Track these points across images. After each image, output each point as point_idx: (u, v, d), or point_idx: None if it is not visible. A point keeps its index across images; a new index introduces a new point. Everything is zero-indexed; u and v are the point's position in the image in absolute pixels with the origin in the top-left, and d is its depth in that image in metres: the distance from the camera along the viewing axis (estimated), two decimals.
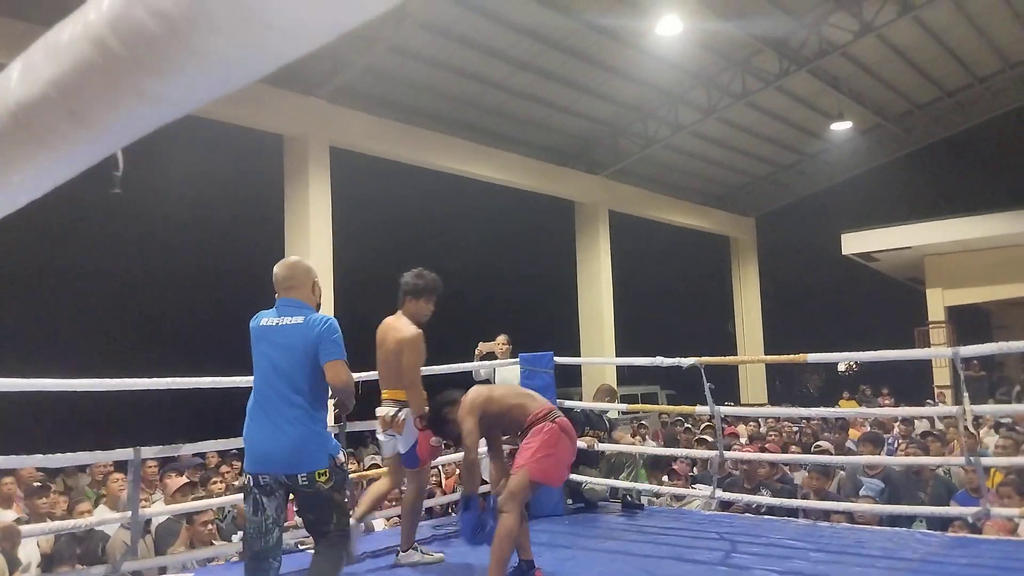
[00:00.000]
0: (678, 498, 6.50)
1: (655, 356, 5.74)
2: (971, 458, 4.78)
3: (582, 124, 15.22)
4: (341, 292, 11.46)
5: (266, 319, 3.37)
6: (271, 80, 10.95)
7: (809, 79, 14.81)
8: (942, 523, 5.37)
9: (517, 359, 6.31)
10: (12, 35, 7.91)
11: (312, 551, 3.43)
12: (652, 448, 7.07)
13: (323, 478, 3.14)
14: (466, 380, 6.83)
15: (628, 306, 16.17)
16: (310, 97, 11.40)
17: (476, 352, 7.03)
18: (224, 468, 6.97)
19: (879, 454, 6.77)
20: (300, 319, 3.30)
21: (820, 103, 16.16)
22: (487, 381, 6.97)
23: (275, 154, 11.88)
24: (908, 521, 5.60)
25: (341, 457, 3.27)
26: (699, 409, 5.71)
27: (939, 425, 8.36)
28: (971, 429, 5.50)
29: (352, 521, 3.88)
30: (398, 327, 4.44)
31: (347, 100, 11.97)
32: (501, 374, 6.86)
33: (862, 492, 6.21)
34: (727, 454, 5.98)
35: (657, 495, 6.58)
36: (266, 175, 12.33)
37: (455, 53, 12.05)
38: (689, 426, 9.32)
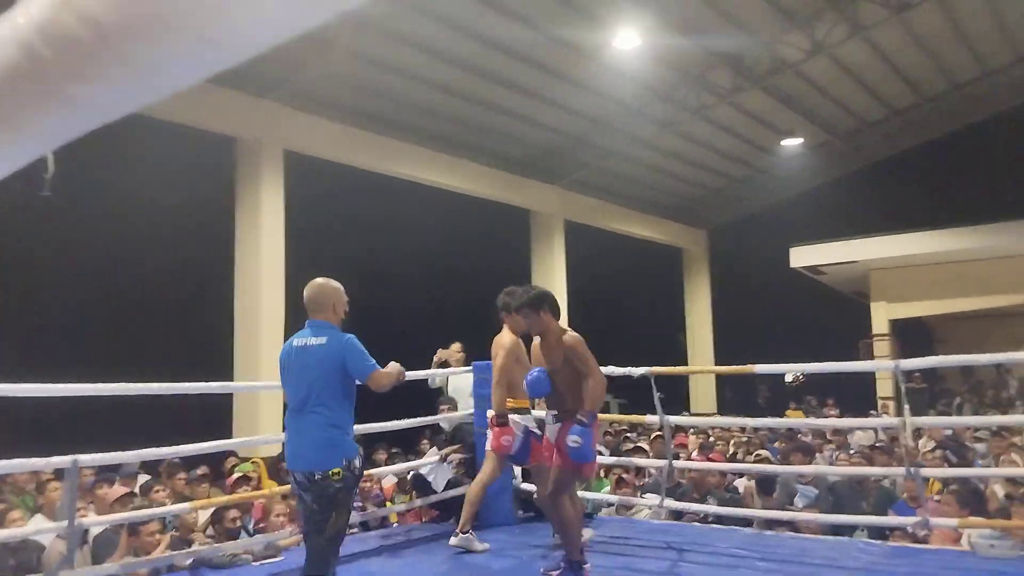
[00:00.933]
0: (627, 507, 6.54)
1: (607, 365, 5.78)
2: (911, 469, 4.90)
3: (541, 134, 15.30)
4: (293, 300, 11.30)
5: (297, 340, 3.84)
6: (224, 81, 10.79)
7: (762, 95, 15.11)
8: (883, 533, 5.50)
9: (471, 367, 6.31)
10: None
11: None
12: (604, 458, 7.09)
13: (335, 477, 3.53)
14: (420, 389, 6.81)
15: (581, 315, 16.24)
16: (265, 100, 11.25)
17: (434, 359, 7.00)
18: (180, 475, 6.79)
19: (808, 462, 6.91)
20: (324, 340, 3.75)
21: (772, 119, 16.48)
22: (440, 390, 6.95)
23: (227, 157, 11.70)
24: (850, 530, 5.72)
25: (357, 463, 3.65)
26: (649, 418, 5.76)
27: (882, 436, 8.54)
28: (911, 441, 5.63)
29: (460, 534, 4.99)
30: (498, 341, 5.21)
31: (303, 104, 11.85)
32: (454, 382, 6.83)
33: (797, 499, 6.33)
34: (675, 463, 6.03)
35: (607, 504, 6.61)
36: (217, 178, 12.12)
37: (415, 60, 12.02)
38: (630, 435, 9.32)
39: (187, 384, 4.86)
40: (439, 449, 6.36)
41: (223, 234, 11.61)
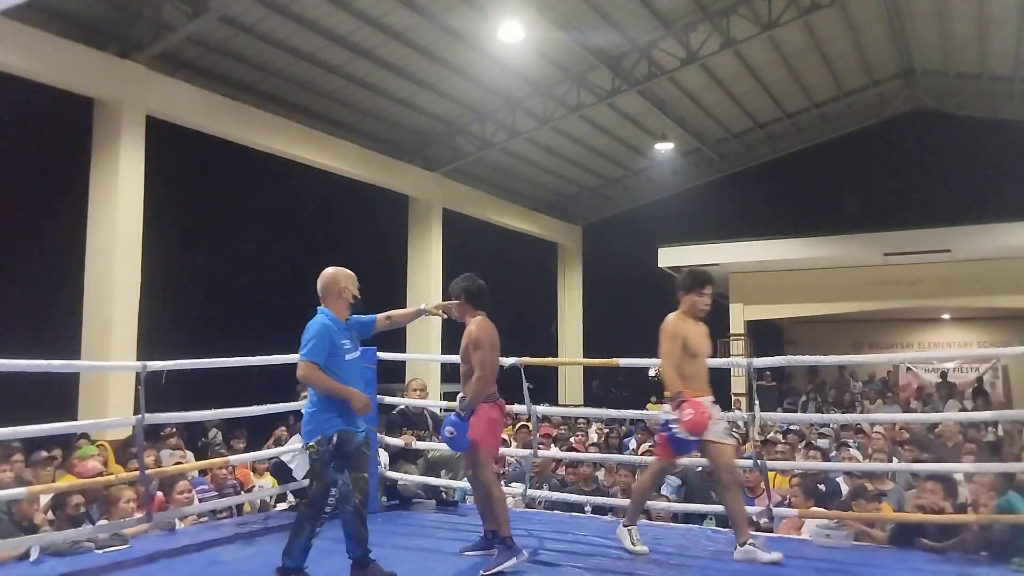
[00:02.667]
0: None
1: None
2: (757, 461, 5.19)
3: (420, 119, 15.15)
4: (149, 273, 10.70)
5: None
6: (85, 39, 10.07)
7: (638, 99, 15.58)
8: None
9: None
10: None
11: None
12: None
13: (312, 448, 4.08)
14: (288, 372, 6.59)
15: None
16: (127, 61, 10.54)
17: None
18: (16, 458, 6.26)
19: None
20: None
21: (647, 123, 17.02)
22: None
23: (85, 119, 10.89)
24: (700, 519, 6.00)
25: (334, 439, 4.00)
26: (516, 408, 5.82)
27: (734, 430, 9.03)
28: (759, 434, 5.97)
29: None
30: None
31: (169, 68, 11.22)
32: None
33: (663, 490, 6.59)
34: (540, 453, 6.13)
35: (469, 493, 6.63)
36: (72, 142, 11.28)
37: (293, 33, 11.61)
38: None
39: (28, 362, 4.47)
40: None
41: (76, 201, 10.81)
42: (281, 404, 6.12)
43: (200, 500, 5.88)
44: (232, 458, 6.48)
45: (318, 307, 4.25)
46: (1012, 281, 15.63)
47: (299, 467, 5.84)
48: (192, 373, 5.45)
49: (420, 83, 13.78)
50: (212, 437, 10.39)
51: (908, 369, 18.25)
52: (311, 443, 4.08)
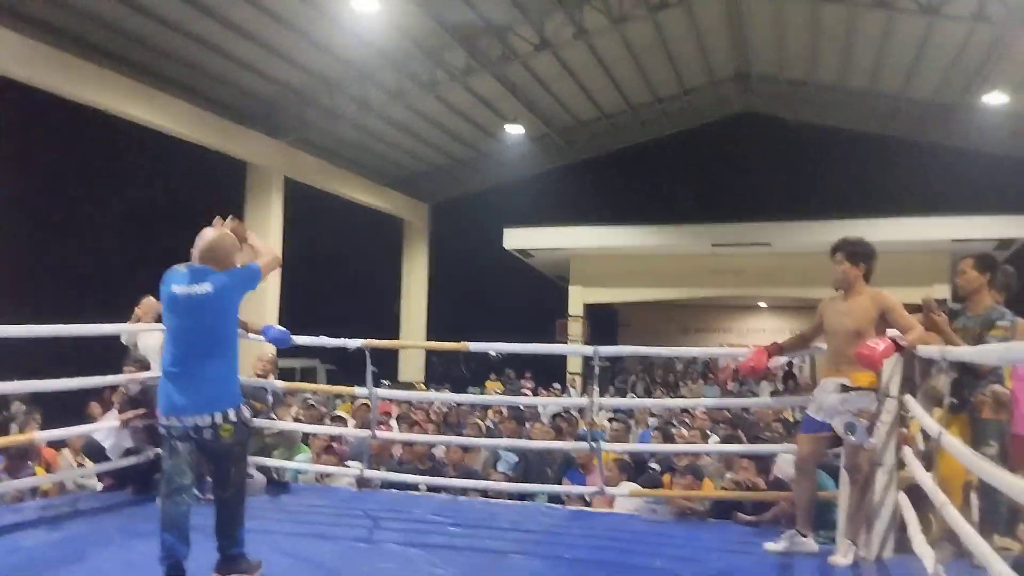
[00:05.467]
0: (326, 476, 6.43)
1: (319, 328, 5.60)
2: (592, 443, 5.37)
3: (265, 85, 14.45)
4: None
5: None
6: None
7: (492, 81, 15.61)
8: (560, 498, 6.01)
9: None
10: None
11: None
12: (307, 426, 6.91)
13: (226, 428, 3.52)
14: (106, 343, 6.11)
15: (296, 277, 15.70)
16: None
17: (134, 315, 6.35)
18: None
19: (521, 430, 7.34)
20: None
21: (498, 106, 17.11)
22: (129, 348, 6.30)
23: None
24: (534, 495, 6.15)
25: (244, 411, 3.62)
26: (358, 390, 5.68)
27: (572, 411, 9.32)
28: (596, 417, 6.16)
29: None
30: None
31: None
32: (144, 339, 6.24)
33: (499, 466, 6.69)
34: (379, 433, 6.03)
35: (301, 473, 6.45)
36: None
37: None
38: (313, 403, 8.93)
39: None
40: (120, 412, 5.74)
41: None
42: (97, 378, 5.63)
43: None
44: (37, 435, 5.93)
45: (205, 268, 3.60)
46: (826, 274, 16.92)
47: (114, 447, 5.44)
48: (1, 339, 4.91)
49: (268, 48, 13.13)
50: (14, 411, 9.49)
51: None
52: (227, 418, 3.51)
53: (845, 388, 4.01)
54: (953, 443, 3.05)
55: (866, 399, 3.97)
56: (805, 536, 4.17)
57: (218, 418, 3.48)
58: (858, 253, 4.17)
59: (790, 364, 18.40)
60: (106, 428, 5.61)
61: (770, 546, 4.20)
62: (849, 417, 3.97)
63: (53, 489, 6.18)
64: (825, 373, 4.18)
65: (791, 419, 9.38)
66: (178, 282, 3.57)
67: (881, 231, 15.70)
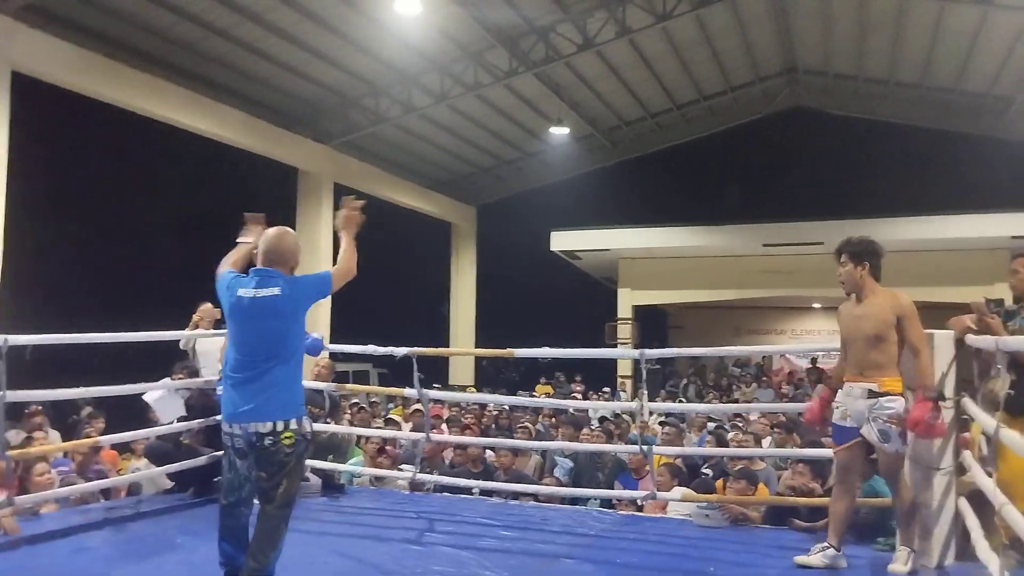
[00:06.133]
0: (380, 479, 6.51)
1: (370, 332, 5.70)
2: (643, 447, 5.34)
3: (312, 89, 14.67)
4: (14, 238, 9.95)
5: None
6: None
7: (535, 82, 15.61)
8: (611, 502, 5.97)
9: (222, 331, 5.89)
10: None
11: None
12: (361, 430, 7.01)
13: (287, 436, 3.37)
14: (164, 347, 6.29)
15: (347, 282, 15.93)
16: None
17: (192, 321, 6.53)
18: None
19: (578, 435, 7.32)
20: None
21: (542, 106, 17.10)
22: (187, 353, 6.48)
23: None
24: (586, 500, 6.13)
25: (306, 423, 3.46)
26: (408, 392, 5.74)
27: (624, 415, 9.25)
28: (646, 420, 6.12)
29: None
30: None
31: (38, 20, 10.39)
32: (203, 344, 6.40)
33: (555, 471, 6.69)
34: (433, 436, 6.09)
35: (356, 476, 6.54)
36: None
37: None
38: (364, 406, 9.00)
39: None
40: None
41: None
42: (144, 385, 5.72)
43: (62, 484, 5.52)
44: (102, 439, 6.11)
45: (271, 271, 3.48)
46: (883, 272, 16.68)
47: (165, 410, 5.52)
48: (63, 345, 5.09)
49: (312, 52, 13.33)
50: (84, 415, 9.79)
51: (781, 355, 19.24)
52: (288, 426, 3.35)
53: (873, 394, 3.89)
54: (1015, 440, 2.96)
55: (896, 404, 3.85)
56: (838, 550, 4.02)
57: (279, 426, 3.34)
58: (861, 252, 4.03)
59: None
60: (160, 393, 5.66)
61: (800, 560, 4.04)
62: (881, 423, 3.86)
63: (116, 491, 6.35)
64: (847, 378, 4.05)
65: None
66: (244, 286, 3.45)
67: (937, 228, 15.37)
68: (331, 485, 6.01)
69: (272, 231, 3.58)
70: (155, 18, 11.44)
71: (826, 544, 4.04)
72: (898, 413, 3.84)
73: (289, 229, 3.65)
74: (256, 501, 3.44)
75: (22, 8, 9.99)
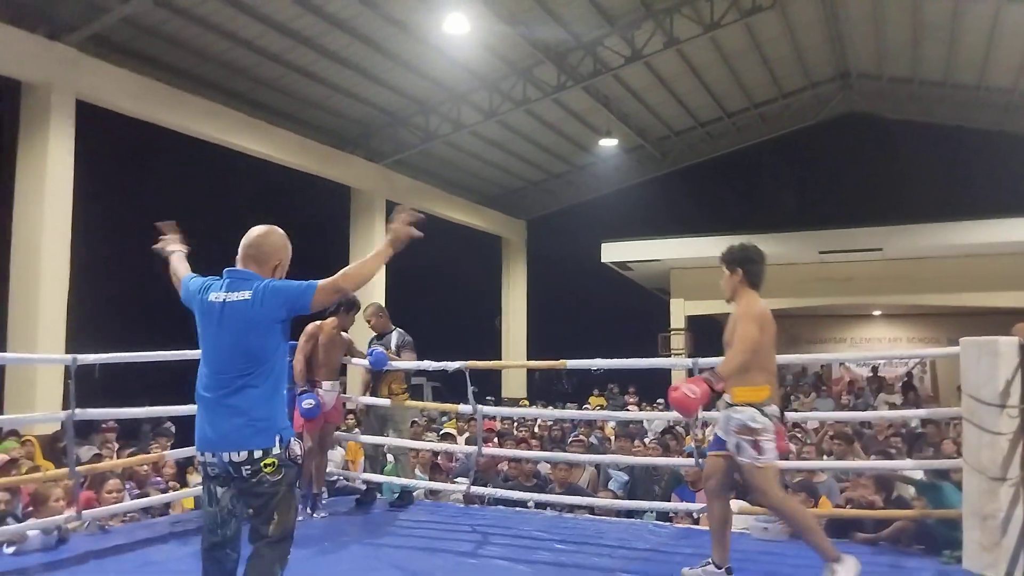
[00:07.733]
0: (434, 492, 6.56)
1: (423, 346, 5.79)
2: (699, 459, 5.27)
3: (363, 109, 14.94)
4: (80, 261, 10.32)
5: None
6: (13, 20, 9.66)
7: (583, 95, 15.64)
8: (668, 515, 5.91)
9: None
10: None
11: None
12: (416, 443, 7.07)
13: (268, 464, 2.88)
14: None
15: (399, 296, 16.11)
16: (57, 43, 10.13)
17: None
18: None
19: (634, 447, 7.28)
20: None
21: (591, 119, 17.11)
22: None
23: (13, 102, 10.42)
24: (642, 513, 6.08)
25: (294, 445, 2.98)
26: (462, 408, 5.78)
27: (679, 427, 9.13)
28: (700, 432, 6.07)
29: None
30: None
31: (101, 51, 10.81)
32: None
33: (610, 484, 6.65)
34: (486, 450, 6.12)
35: (411, 489, 6.59)
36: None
37: (230, 17, 11.30)
38: (416, 420, 9.02)
39: None
40: None
41: (1, 187, 10.36)
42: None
43: (132, 498, 5.70)
44: (167, 453, 6.29)
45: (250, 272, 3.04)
46: (939, 280, 16.23)
47: None
48: (129, 363, 5.28)
49: (363, 73, 13.59)
50: (149, 430, 10.10)
51: (841, 364, 18.80)
52: (269, 452, 2.84)
53: (728, 404, 3.81)
54: None
55: (742, 415, 3.71)
56: (719, 567, 3.84)
57: (257, 454, 2.82)
58: (733, 259, 4.00)
59: (910, 375, 17.54)
60: None
61: (686, 572, 3.92)
62: (733, 436, 3.74)
63: (179, 505, 6.53)
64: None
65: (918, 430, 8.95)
66: (216, 289, 2.99)
67: (998, 231, 14.87)
68: (396, 502, 6.04)
69: (259, 227, 3.13)
70: (210, 44, 11.79)
71: (708, 560, 3.92)
72: (744, 424, 3.70)
73: (278, 228, 3.18)
74: (247, 538, 2.93)
75: (85, 39, 10.39)
